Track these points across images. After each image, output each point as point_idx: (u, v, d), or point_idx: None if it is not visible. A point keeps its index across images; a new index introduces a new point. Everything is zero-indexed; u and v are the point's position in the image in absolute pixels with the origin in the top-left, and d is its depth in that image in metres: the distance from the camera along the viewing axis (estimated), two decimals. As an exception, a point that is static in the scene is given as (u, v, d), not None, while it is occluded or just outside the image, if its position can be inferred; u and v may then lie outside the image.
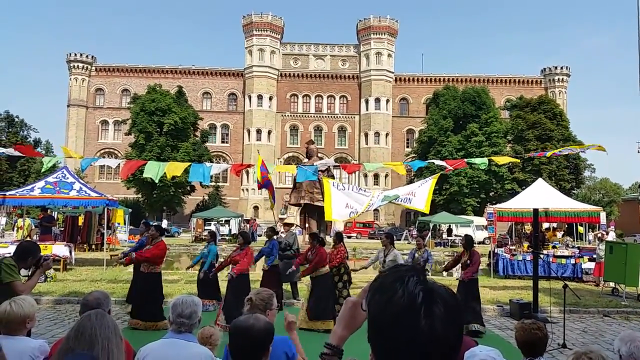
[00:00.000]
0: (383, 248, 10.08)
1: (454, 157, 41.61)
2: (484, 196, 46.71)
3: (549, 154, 12.80)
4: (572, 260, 17.18)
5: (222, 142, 66.79)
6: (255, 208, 59.48)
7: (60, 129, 68.04)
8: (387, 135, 64.85)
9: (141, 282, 9.34)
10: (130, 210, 33.68)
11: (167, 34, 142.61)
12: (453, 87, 53.20)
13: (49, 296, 11.62)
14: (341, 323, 1.46)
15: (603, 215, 17.97)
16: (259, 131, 63.89)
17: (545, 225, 23.18)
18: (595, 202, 54.72)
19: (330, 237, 14.15)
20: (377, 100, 64.70)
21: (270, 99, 65.24)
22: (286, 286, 12.24)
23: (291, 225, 13.60)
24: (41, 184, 17.62)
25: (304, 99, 67.14)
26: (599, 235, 17.82)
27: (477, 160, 12.54)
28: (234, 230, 37.27)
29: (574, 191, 48.62)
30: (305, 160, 17.65)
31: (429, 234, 33.36)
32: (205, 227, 35.40)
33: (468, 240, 9.68)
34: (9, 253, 10.19)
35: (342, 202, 10.76)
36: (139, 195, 49.19)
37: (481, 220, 34.73)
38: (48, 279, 13.81)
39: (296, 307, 10.60)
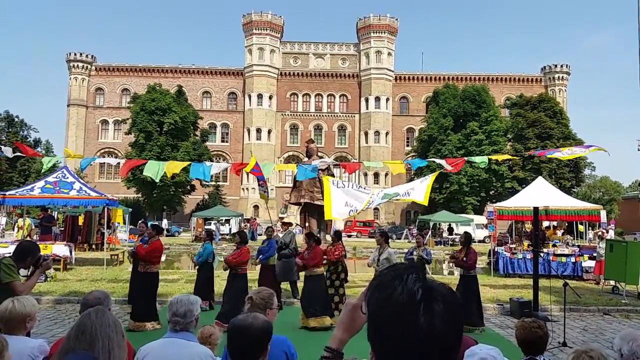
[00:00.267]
0: (378, 247, 10.10)
1: (454, 155, 41.61)
2: (484, 195, 46.70)
3: (550, 156, 12.68)
4: (573, 259, 17.18)
5: (222, 141, 66.76)
6: (256, 207, 59.46)
7: (60, 129, 68.07)
8: (387, 134, 64.82)
9: (137, 281, 9.38)
10: (130, 209, 33.65)
11: (167, 33, 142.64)
12: (453, 85, 53.18)
13: (49, 296, 11.64)
14: (341, 326, 1.45)
15: (603, 213, 17.99)
16: (259, 130, 63.85)
17: (546, 223, 23.20)
18: (596, 200, 54.77)
19: (331, 236, 14.16)
20: (377, 99, 64.65)
21: (270, 98, 65.19)
22: (285, 285, 12.26)
23: (289, 224, 13.63)
24: (41, 183, 17.63)
25: (303, 98, 67.10)
26: (599, 233, 17.84)
27: (477, 159, 12.53)
28: (234, 230, 37.27)
29: (574, 189, 48.62)
30: (305, 159, 17.65)
31: (429, 232, 33.38)
32: (206, 227, 35.41)
33: (467, 238, 9.73)
34: (9, 253, 10.18)
35: (341, 201, 10.77)
36: (139, 195, 49.19)
37: (481, 219, 34.79)
38: (48, 279, 13.82)
39: (297, 306, 10.60)
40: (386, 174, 60.63)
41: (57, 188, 17.09)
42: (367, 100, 65.09)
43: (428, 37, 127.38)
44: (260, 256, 11.24)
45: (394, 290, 1.05)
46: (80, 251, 21.44)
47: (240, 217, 38.82)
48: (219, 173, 57.11)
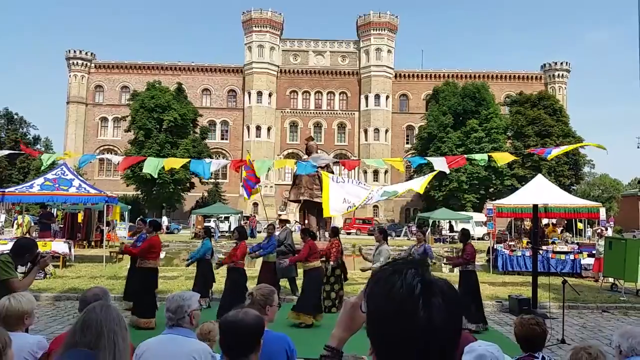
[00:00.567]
0: (377, 244, 10.11)
1: (454, 153, 41.57)
2: (483, 192, 46.71)
3: (550, 156, 12.56)
4: (572, 256, 17.20)
5: (222, 138, 66.72)
6: (255, 205, 59.40)
7: (60, 126, 67.87)
8: (386, 131, 64.79)
9: (135, 277, 9.41)
10: (129, 207, 33.65)
11: (167, 31, 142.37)
12: (453, 83, 53.14)
13: (49, 293, 11.64)
14: (340, 325, 1.45)
15: (602, 211, 17.99)
16: (258, 128, 63.80)
17: (545, 221, 23.22)
18: (595, 198, 54.78)
19: (328, 232, 14.18)
20: (377, 96, 64.61)
21: (270, 95, 65.13)
22: (284, 282, 12.28)
23: (286, 221, 13.66)
24: (40, 180, 17.61)
25: (303, 96, 67.05)
26: (599, 231, 17.85)
27: (477, 156, 12.52)
28: (234, 227, 37.28)
29: (573, 187, 48.67)
30: (305, 156, 17.62)
31: (429, 229, 33.38)
32: (205, 224, 35.43)
33: (464, 234, 9.74)
34: (9, 250, 10.19)
35: (339, 197, 10.79)
36: (139, 192, 49.19)
37: (480, 216, 34.82)
38: (47, 276, 13.82)
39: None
40: (385, 172, 60.62)
41: (57, 185, 17.08)
42: (366, 97, 65.04)
43: (428, 35, 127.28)
44: (259, 250, 11.24)
45: (393, 285, 1.05)
46: (79, 248, 21.44)
47: (239, 215, 38.83)
48: (219, 170, 57.08)
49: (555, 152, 12.05)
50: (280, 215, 18.32)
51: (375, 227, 18.03)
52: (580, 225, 27.85)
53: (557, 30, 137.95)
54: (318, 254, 9.94)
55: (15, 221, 22.09)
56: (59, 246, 16.62)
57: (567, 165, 47.28)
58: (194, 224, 37.70)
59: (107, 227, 22.06)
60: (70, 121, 65.14)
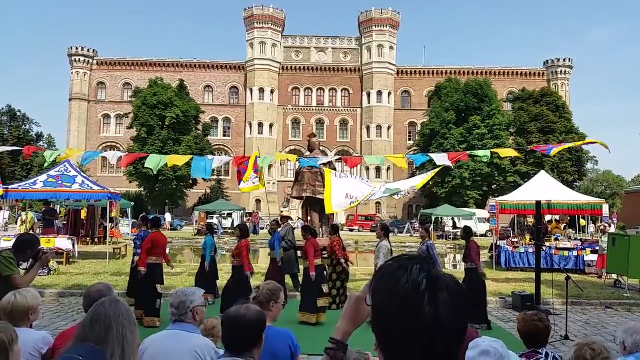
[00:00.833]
0: (379, 240, 10.09)
1: (457, 149, 41.52)
2: (486, 189, 46.64)
3: (552, 153, 12.49)
4: (575, 253, 17.18)
5: (224, 135, 66.72)
6: (258, 201, 59.47)
7: (63, 123, 68.10)
8: (389, 128, 64.71)
9: (137, 273, 9.44)
10: (132, 203, 33.72)
11: (169, 27, 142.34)
12: (455, 79, 53.01)
13: (53, 289, 11.68)
14: (345, 318, 1.46)
15: (606, 207, 17.96)
16: (260, 125, 63.78)
17: (548, 217, 23.18)
18: (598, 194, 54.61)
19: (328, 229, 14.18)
20: (379, 93, 64.50)
21: (272, 92, 65.08)
22: (287, 279, 12.28)
23: (288, 218, 13.70)
24: (44, 177, 17.66)
25: (305, 92, 66.98)
26: (602, 227, 17.81)
27: (479, 153, 12.50)
28: (237, 224, 37.32)
29: (576, 183, 48.53)
30: (307, 153, 17.62)
31: (431, 226, 33.36)
32: (208, 221, 35.49)
33: (466, 232, 9.71)
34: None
35: (342, 192, 10.79)
36: (142, 189, 49.27)
37: (483, 213, 34.74)
38: (51, 272, 13.88)
39: (299, 300, 10.63)
40: (388, 168, 60.57)
41: (60, 182, 17.12)
42: (369, 94, 64.94)
43: (430, 31, 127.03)
44: (275, 250, 11.09)
45: (398, 280, 1.04)
46: (83, 245, 21.51)
47: (242, 211, 38.87)
48: (221, 167, 57.10)
49: (557, 149, 12.01)
50: (282, 212, 18.34)
51: (378, 224, 18.04)
52: (582, 222, 27.77)
53: (560, 27, 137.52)
54: (320, 252, 9.95)
55: (19, 218, 22.14)
56: (63, 243, 16.68)
57: (570, 162, 47.15)
58: (196, 221, 37.76)
59: (110, 224, 22.13)
60: (73, 118, 65.22)
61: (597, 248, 16.44)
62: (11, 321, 3.09)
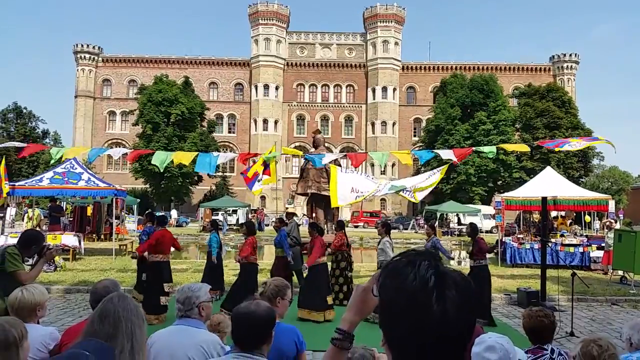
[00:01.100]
0: (380, 237, 10.08)
1: (462, 145, 41.38)
2: (491, 185, 46.49)
3: (558, 148, 12.44)
4: (581, 249, 17.12)
5: (229, 132, 66.79)
6: (262, 198, 59.54)
7: (68, 120, 68.30)
8: (394, 124, 64.55)
9: (146, 271, 9.47)
10: (138, 200, 33.85)
11: (173, 24, 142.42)
12: (461, 75, 52.76)
13: (59, 285, 11.75)
14: (352, 308, 1.46)
15: (612, 203, 17.87)
16: (265, 121, 63.78)
17: (553, 213, 23.11)
18: (604, 190, 54.37)
19: (333, 225, 14.17)
20: (384, 89, 64.33)
21: (277, 88, 65.04)
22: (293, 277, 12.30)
23: (293, 214, 13.70)
24: (50, 174, 17.77)
25: (310, 89, 66.91)
26: (608, 223, 17.74)
27: (485, 149, 12.46)
28: (242, 220, 37.43)
29: (582, 179, 48.33)
30: (312, 149, 17.62)
31: (436, 222, 33.30)
32: (213, 217, 35.58)
33: (473, 229, 9.66)
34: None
35: (347, 186, 10.80)
36: (147, 186, 49.44)
37: (489, 209, 34.68)
38: (58, 269, 13.95)
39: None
40: (393, 165, 60.47)
41: (66, 179, 17.22)
42: (374, 90, 64.79)
43: (435, 27, 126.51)
44: (285, 248, 11.08)
45: (406, 277, 1.04)
46: (89, 241, 21.61)
47: (247, 208, 38.93)
48: (226, 164, 57.17)
49: (567, 147, 11.89)
50: (287, 208, 18.36)
51: (380, 221, 18.05)
52: (587, 218, 27.67)
53: (566, 22, 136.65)
54: (325, 250, 9.96)
55: (26, 214, 22.29)
56: (69, 239, 16.76)
57: (576, 158, 46.92)
58: (202, 217, 37.86)
59: (116, 220, 22.21)
60: (79, 115, 65.45)
61: (602, 244, 16.38)
62: (19, 317, 3.11)
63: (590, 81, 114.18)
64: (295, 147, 63.26)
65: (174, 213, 42.60)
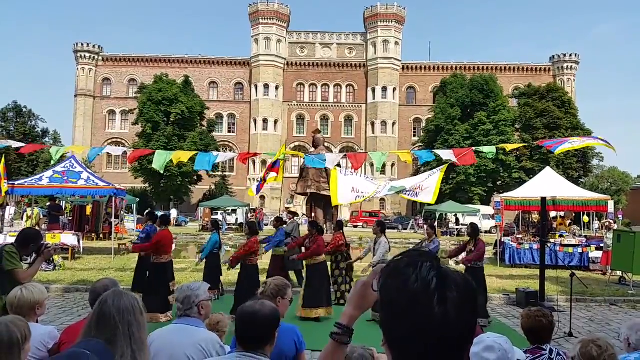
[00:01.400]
0: (375, 237, 10.02)
1: (462, 145, 41.35)
2: (491, 185, 46.48)
3: (557, 151, 12.37)
4: (580, 249, 17.12)
5: (229, 131, 66.77)
6: (262, 198, 59.54)
7: (68, 119, 68.29)
8: (394, 124, 64.54)
9: (146, 271, 9.45)
10: (137, 199, 33.83)
11: (174, 23, 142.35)
12: (461, 75, 52.74)
13: (58, 284, 11.75)
14: (352, 303, 1.47)
15: (611, 204, 17.87)
16: (265, 121, 63.76)
17: (553, 214, 23.09)
18: (604, 190, 54.39)
19: (332, 225, 14.18)
20: (384, 88, 64.33)
21: (277, 88, 65.01)
22: (292, 275, 12.31)
23: (295, 214, 13.71)
24: (49, 173, 17.75)
25: (310, 88, 66.89)
26: (607, 224, 17.74)
27: (485, 149, 12.44)
28: (241, 220, 37.42)
29: (581, 180, 48.32)
30: (312, 149, 17.62)
31: (435, 222, 33.28)
32: (212, 217, 35.55)
33: (474, 229, 9.65)
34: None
35: (348, 186, 10.81)
36: (147, 185, 49.42)
37: (488, 209, 34.65)
38: (57, 268, 13.95)
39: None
40: (392, 165, 60.46)
41: (65, 178, 17.20)
42: (374, 90, 64.78)
43: (436, 26, 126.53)
44: (264, 245, 11.30)
45: (408, 277, 1.03)
46: (88, 240, 21.60)
47: (246, 208, 38.92)
48: (226, 163, 57.17)
49: (562, 148, 11.86)
50: (288, 207, 18.35)
51: (376, 221, 18.08)
52: (585, 219, 27.65)
53: (567, 22, 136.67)
54: (324, 249, 9.96)
55: (25, 213, 22.29)
56: (68, 238, 16.76)
57: (575, 158, 46.94)
58: (201, 217, 37.84)
59: (115, 220, 22.21)
60: (79, 114, 65.43)
61: (601, 245, 16.39)
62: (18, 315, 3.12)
63: (590, 81, 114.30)
64: (295, 147, 63.30)
65: (173, 212, 42.55)
